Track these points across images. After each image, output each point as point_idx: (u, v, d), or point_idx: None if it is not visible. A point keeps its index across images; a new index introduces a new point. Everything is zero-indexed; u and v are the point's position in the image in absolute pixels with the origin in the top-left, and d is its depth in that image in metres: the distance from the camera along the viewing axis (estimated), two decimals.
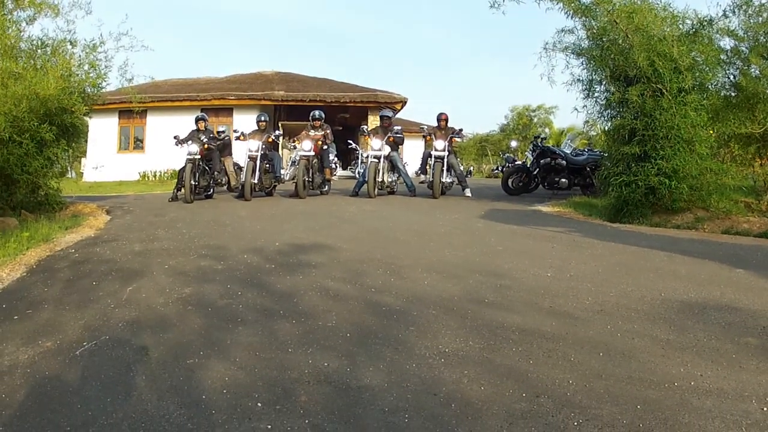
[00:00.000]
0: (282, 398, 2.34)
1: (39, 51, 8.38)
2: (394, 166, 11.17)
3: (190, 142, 10.26)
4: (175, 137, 11.53)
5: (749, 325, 2.97)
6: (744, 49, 8.03)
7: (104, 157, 20.46)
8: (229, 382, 2.49)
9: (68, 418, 2.22)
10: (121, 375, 2.61)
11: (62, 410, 2.28)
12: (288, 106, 21.12)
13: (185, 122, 13.44)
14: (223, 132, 12.21)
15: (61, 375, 2.63)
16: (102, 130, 20.58)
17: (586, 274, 4.18)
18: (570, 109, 40.10)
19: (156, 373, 2.62)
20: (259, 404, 2.29)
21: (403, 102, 21.23)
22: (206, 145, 10.36)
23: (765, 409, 2.11)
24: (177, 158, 11.27)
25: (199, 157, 10.11)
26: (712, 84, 7.83)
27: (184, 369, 2.65)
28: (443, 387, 2.40)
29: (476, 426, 2.08)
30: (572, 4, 7.78)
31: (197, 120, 11.04)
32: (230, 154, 12.19)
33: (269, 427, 2.12)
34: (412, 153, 13.36)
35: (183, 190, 9.93)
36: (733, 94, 8.25)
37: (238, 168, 12.01)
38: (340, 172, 17.90)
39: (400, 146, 11.50)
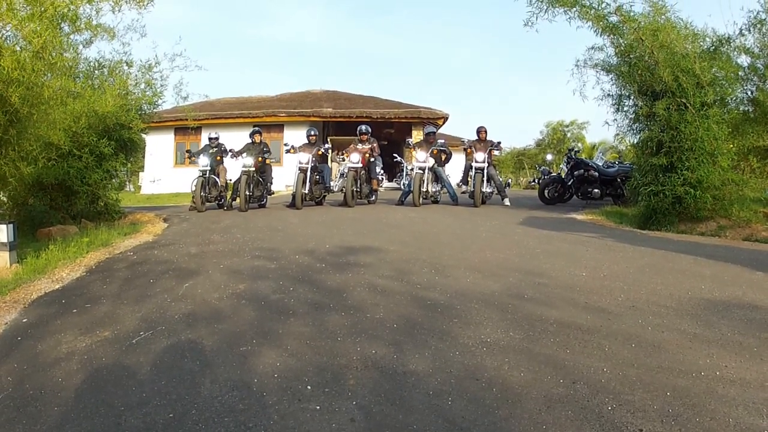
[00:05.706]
0: (331, 382, 2.37)
1: (96, 71, 8.79)
2: (437, 177, 11.25)
3: (245, 154, 10.57)
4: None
5: None
6: (760, 65, 8.23)
7: (161, 172, 21.33)
8: (280, 368, 2.54)
9: (122, 399, 2.30)
10: (175, 361, 2.69)
11: (117, 392, 2.37)
12: (336, 123, 21.49)
13: (238, 138, 13.75)
14: (216, 138, 11.49)
15: (116, 361, 2.74)
16: (159, 145, 21.48)
17: (618, 274, 4.32)
18: (601, 124, 40.10)
19: (209, 359, 2.69)
20: (309, 387, 2.33)
21: (445, 117, 21.25)
22: (260, 158, 10.60)
23: None
24: (233, 170, 11.47)
25: (253, 169, 10.39)
26: (731, 99, 8.06)
27: (237, 356, 2.71)
28: (485, 373, 2.44)
29: (516, 408, 2.11)
30: (601, 23, 7.97)
31: (252, 134, 11.27)
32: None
33: (318, 407, 2.14)
34: (453, 165, 13.45)
35: (238, 199, 10.19)
36: (750, 109, 8.40)
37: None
38: (386, 183, 18.01)
39: (447, 162, 11.56)
